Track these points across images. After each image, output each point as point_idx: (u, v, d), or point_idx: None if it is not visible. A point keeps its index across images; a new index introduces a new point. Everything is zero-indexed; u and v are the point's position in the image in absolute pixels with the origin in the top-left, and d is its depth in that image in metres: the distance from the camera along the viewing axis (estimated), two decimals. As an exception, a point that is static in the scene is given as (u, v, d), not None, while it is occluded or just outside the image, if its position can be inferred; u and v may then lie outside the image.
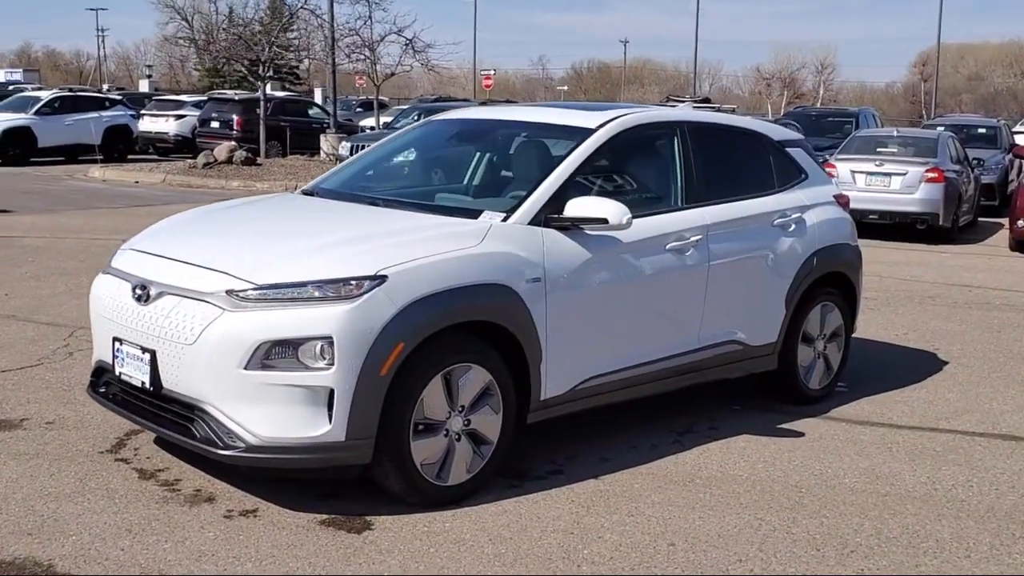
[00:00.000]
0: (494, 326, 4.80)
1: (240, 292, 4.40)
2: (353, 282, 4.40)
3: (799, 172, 6.66)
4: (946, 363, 7.92)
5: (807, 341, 6.59)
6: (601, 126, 5.60)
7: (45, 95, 27.55)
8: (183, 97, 32.96)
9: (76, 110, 26.84)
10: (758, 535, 4.58)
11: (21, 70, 72.27)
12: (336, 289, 4.38)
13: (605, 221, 5.08)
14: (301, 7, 27.65)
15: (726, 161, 6.30)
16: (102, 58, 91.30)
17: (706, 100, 39.15)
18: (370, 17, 27.82)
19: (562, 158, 5.38)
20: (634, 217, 5.42)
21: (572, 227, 5.13)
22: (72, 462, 5.16)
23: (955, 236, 16.01)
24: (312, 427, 4.34)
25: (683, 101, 37.76)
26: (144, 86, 56.44)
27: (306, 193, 5.98)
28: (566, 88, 77.10)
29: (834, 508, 4.92)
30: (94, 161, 24.66)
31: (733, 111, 31.77)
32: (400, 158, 6.47)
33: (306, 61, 51.98)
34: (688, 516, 4.76)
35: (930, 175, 15.36)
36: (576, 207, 5.11)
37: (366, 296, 4.38)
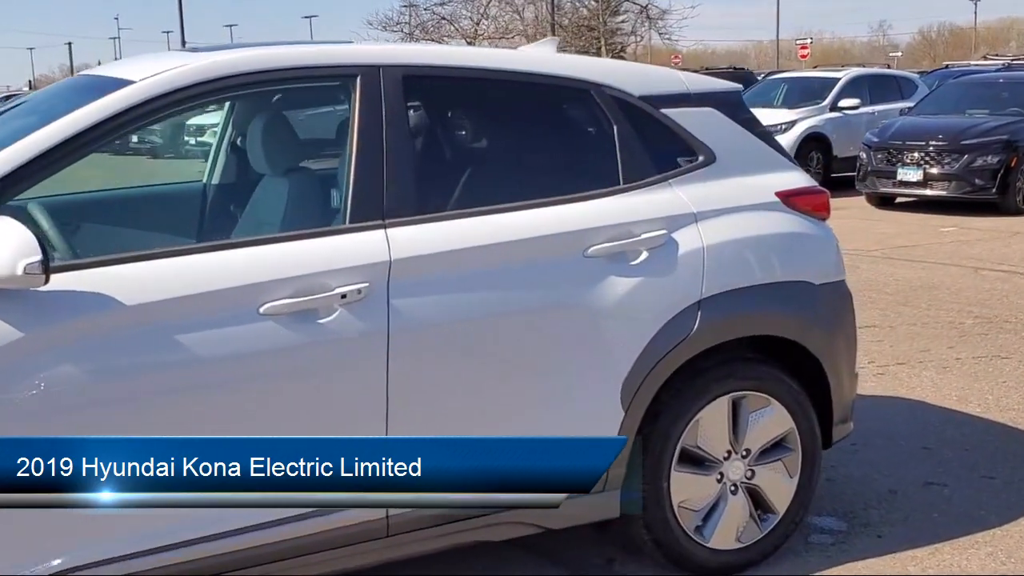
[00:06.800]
0: None
1: None
2: None
3: (689, 152, 3.57)
4: (1087, 480, 4.46)
5: (697, 464, 3.54)
6: (149, 78, 2.95)
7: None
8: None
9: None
10: None
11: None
12: None
13: (-17, 271, 2.50)
14: None
15: (493, 140, 3.45)
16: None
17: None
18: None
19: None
20: (211, 248, 2.89)
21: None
22: None
23: None
24: None
25: (1002, 57, 32.12)
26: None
27: None
28: (900, 54, 69.65)
29: None
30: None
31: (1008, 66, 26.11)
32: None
33: (632, 45, 50.06)
34: None
35: None
36: None
37: None
